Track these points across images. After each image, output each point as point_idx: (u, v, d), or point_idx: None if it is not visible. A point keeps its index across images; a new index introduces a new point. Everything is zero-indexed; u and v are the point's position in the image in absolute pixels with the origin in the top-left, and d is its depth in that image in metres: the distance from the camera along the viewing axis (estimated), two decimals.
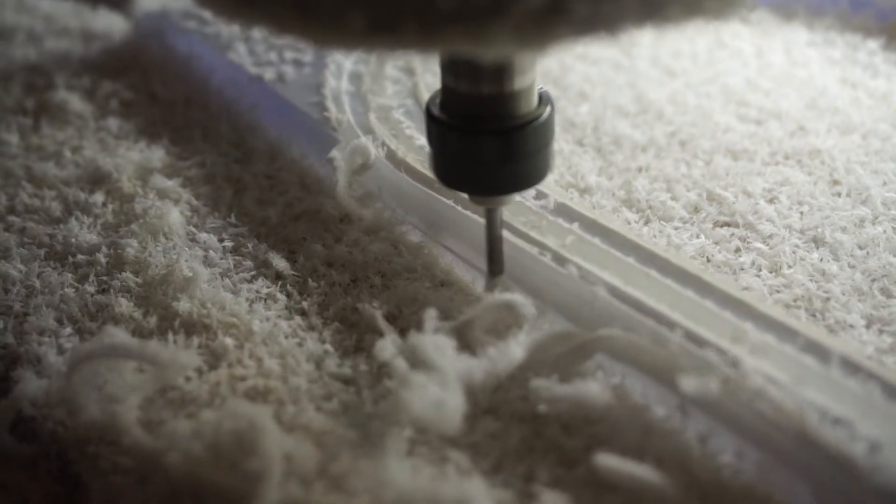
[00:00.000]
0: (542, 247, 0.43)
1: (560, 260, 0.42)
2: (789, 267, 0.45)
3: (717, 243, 0.46)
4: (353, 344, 0.42)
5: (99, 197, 0.51)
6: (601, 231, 0.43)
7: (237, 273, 0.46)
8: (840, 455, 0.33)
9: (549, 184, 0.45)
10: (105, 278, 0.46)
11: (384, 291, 0.44)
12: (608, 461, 0.35)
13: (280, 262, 0.46)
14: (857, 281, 0.44)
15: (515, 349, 0.38)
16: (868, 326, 0.41)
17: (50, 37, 0.69)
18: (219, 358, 0.41)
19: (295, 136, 0.56)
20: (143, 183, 0.52)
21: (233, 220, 0.50)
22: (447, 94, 0.39)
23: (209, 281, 0.45)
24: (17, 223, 0.50)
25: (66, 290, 0.45)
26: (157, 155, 0.54)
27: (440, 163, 0.41)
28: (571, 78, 0.61)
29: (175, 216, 0.49)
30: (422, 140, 0.51)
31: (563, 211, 0.45)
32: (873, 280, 0.44)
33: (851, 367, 0.35)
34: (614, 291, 0.40)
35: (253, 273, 0.46)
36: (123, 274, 0.45)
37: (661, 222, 0.48)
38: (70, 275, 0.46)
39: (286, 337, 0.42)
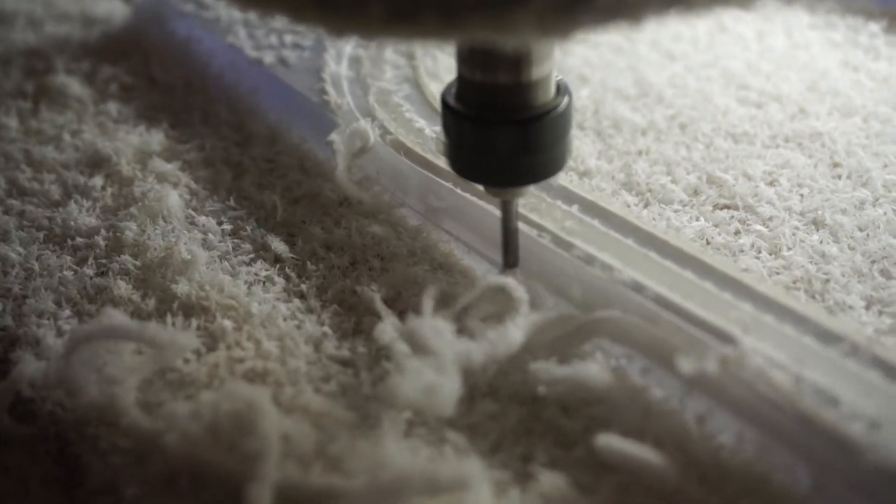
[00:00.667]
0: (542, 229, 0.43)
1: (559, 242, 0.42)
2: (789, 249, 0.45)
3: (716, 226, 0.46)
4: (351, 326, 0.42)
5: (98, 180, 0.51)
6: (600, 213, 0.43)
7: (236, 256, 0.46)
8: (838, 434, 0.33)
9: None
10: (104, 261, 0.46)
11: (383, 274, 0.44)
12: (608, 441, 0.35)
13: (279, 245, 0.46)
14: (856, 263, 0.44)
15: (514, 332, 0.38)
16: (868, 307, 0.41)
17: (50, 21, 0.69)
18: (217, 340, 0.41)
19: (294, 120, 0.56)
20: (143, 166, 0.52)
21: (232, 203, 0.50)
22: (463, 84, 0.38)
23: (208, 264, 0.45)
24: (16, 206, 0.50)
25: (64, 272, 0.45)
26: (156, 138, 0.54)
27: (456, 154, 0.40)
28: (571, 61, 0.60)
29: (174, 199, 0.49)
30: (421, 123, 0.51)
31: (563, 194, 0.44)
32: (873, 262, 0.44)
33: (851, 347, 0.35)
34: (613, 273, 0.40)
35: (252, 256, 0.46)
36: (122, 257, 0.45)
37: (661, 205, 0.48)
38: (69, 257, 0.46)
39: (285, 319, 0.42)
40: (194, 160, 0.53)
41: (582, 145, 0.52)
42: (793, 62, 0.59)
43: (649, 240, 0.41)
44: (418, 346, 0.37)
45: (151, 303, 0.43)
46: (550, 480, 0.34)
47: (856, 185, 0.48)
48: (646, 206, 0.48)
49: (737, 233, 0.46)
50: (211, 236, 0.47)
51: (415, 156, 0.48)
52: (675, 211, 0.47)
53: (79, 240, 0.47)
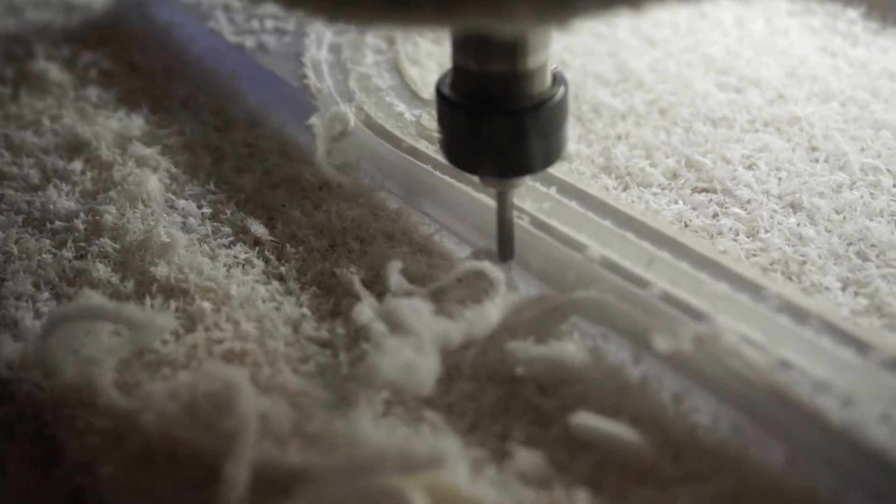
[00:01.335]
0: (520, 211, 0.43)
1: (537, 224, 0.42)
2: (766, 231, 0.45)
3: (695, 209, 0.47)
4: (330, 308, 0.42)
5: (77, 165, 0.51)
6: (579, 195, 0.44)
7: (215, 239, 0.46)
8: (813, 412, 0.33)
9: None
10: (83, 244, 0.46)
11: (362, 257, 0.44)
12: (584, 420, 0.35)
13: (258, 229, 0.46)
14: (833, 245, 0.44)
15: (492, 312, 0.38)
16: (844, 289, 0.42)
17: (30, 8, 0.69)
18: (196, 321, 0.41)
19: (275, 105, 0.55)
20: (122, 151, 0.52)
21: (212, 187, 0.50)
22: (458, 74, 0.38)
23: (187, 246, 0.45)
24: None
25: (43, 255, 0.45)
26: (136, 123, 0.54)
27: (450, 144, 0.39)
28: (552, 47, 0.60)
29: (154, 183, 0.49)
30: (401, 107, 0.51)
31: (541, 176, 0.45)
32: (849, 244, 0.44)
33: (825, 326, 0.36)
34: (590, 254, 0.40)
35: (231, 239, 0.46)
36: (101, 240, 0.45)
37: (640, 188, 0.48)
38: (48, 241, 0.46)
39: (263, 301, 0.42)
40: (174, 145, 0.53)
41: None
42: (772, 48, 0.59)
43: (627, 221, 0.42)
44: (396, 326, 0.37)
45: (130, 285, 0.43)
46: (527, 458, 0.34)
47: (833, 168, 0.49)
48: (625, 189, 0.48)
49: (715, 216, 0.46)
50: (191, 220, 0.47)
51: (394, 139, 0.48)
52: (654, 194, 0.48)
53: (58, 223, 0.47)
